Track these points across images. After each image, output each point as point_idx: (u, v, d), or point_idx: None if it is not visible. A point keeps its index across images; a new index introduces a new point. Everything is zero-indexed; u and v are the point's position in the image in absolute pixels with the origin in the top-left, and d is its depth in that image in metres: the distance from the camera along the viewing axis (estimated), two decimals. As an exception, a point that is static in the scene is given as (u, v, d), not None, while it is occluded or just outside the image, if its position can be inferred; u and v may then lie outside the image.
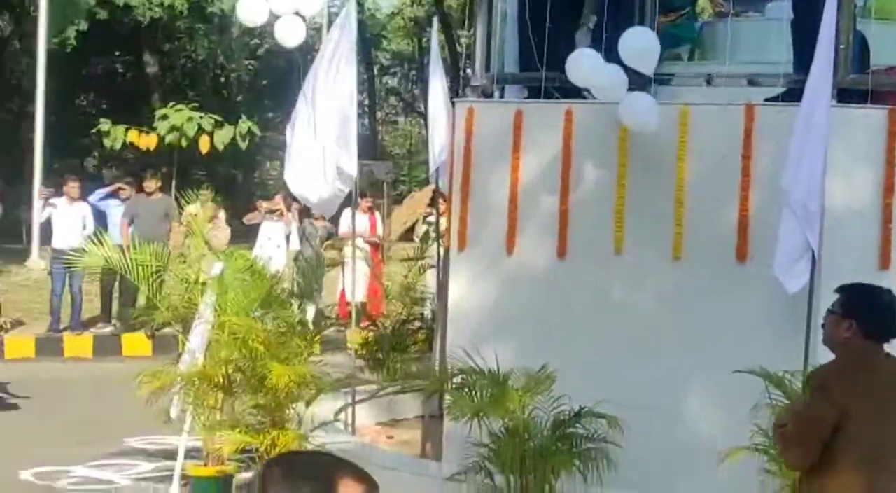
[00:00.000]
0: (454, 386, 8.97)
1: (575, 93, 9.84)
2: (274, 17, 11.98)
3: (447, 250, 11.17)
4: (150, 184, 20.21)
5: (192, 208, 17.64)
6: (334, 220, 20.23)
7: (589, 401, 8.42)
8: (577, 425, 8.40)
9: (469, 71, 13.94)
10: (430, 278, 15.22)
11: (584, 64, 9.38)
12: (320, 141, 10.81)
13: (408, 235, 22.77)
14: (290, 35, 12.08)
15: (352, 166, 11.17)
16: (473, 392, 8.62)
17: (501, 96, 11.14)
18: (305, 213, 21.28)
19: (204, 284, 11.54)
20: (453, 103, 11.23)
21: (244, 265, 11.68)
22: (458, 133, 10.60)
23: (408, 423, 12.56)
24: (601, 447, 8.26)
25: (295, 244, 20.84)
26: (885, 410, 5.79)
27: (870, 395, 5.77)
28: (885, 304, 6.02)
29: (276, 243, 20.45)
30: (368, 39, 37.93)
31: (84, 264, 13.76)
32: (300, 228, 20.97)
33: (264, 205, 22.05)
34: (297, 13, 12.13)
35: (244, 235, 21.29)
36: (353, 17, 11.11)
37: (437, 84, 12.24)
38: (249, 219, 21.98)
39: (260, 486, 2.89)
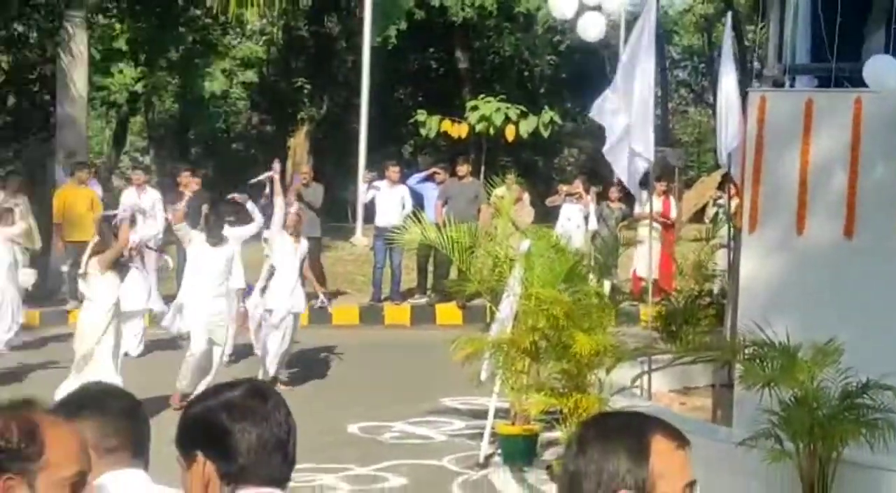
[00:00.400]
0: (745, 357, 8.83)
1: (864, 82, 9.56)
2: (580, 12, 12.05)
3: (738, 231, 11.01)
4: (462, 169, 20.50)
5: (499, 191, 17.78)
6: (630, 202, 20.13)
7: (875, 374, 8.19)
8: (865, 396, 8.17)
9: (757, 63, 13.68)
10: (720, 256, 14.99)
11: (879, 69, 9.17)
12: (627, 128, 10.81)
13: (697, 217, 22.41)
14: (591, 30, 12.15)
15: (649, 152, 11.15)
16: (764, 363, 8.48)
17: (792, 86, 10.91)
18: (602, 195, 21.26)
19: (512, 260, 11.70)
20: (744, 93, 11.04)
21: (549, 243, 11.80)
22: (751, 121, 10.43)
23: (699, 391, 12.44)
24: (887, 417, 8.02)
25: (592, 225, 20.78)
26: None
27: None
28: None
29: (575, 224, 20.39)
30: (661, 35, 37.52)
31: (404, 240, 14.15)
32: (598, 210, 20.90)
33: (564, 188, 22.05)
34: (600, 7, 12.20)
35: (545, 216, 21.35)
36: (653, 14, 11.03)
37: (729, 75, 12.00)
38: (551, 201, 22.00)
39: (577, 445, 2.88)
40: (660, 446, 2.80)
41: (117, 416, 3.54)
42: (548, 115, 26.41)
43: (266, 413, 3.08)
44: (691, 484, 2.82)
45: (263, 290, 14.16)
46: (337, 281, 21.12)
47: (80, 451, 3.00)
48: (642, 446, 2.79)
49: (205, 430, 3.10)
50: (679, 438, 2.87)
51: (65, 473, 2.92)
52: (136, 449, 3.55)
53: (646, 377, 11.30)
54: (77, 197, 19.09)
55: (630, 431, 2.87)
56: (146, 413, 3.66)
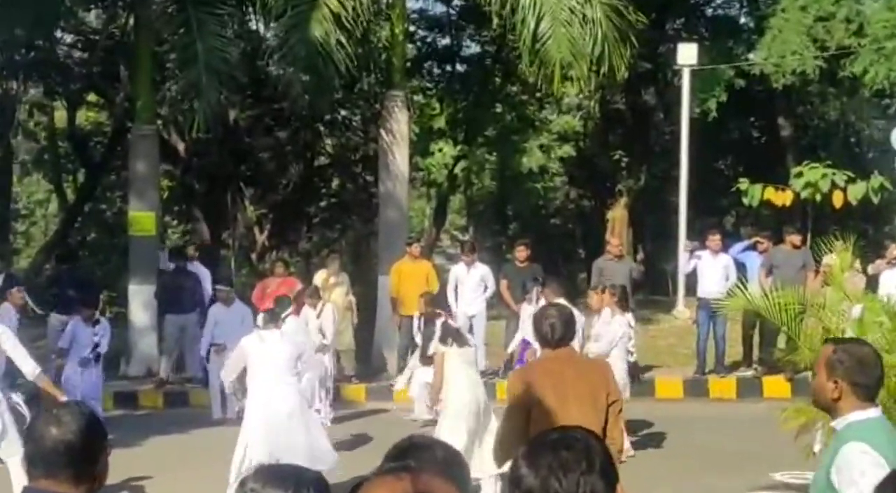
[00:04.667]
0: None
1: None
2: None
3: None
4: (794, 238, 19.94)
5: (828, 259, 17.30)
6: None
7: None
8: None
9: None
10: None
11: None
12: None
13: None
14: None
15: None
16: None
17: None
18: (936, 262, 20.41)
19: (843, 330, 11.37)
20: None
21: (881, 309, 11.45)
22: None
23: None
24: None
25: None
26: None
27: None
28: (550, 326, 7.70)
29: (896, 288, 19.60)
30: None
31: (728, 308, 13.95)
32: (928, 277, 20.04)
33: (886, 256, 21.32)
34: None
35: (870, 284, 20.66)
36: None
37: None
38: (873, 267, 21.23)
39: None
40: None
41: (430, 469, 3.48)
42: (877, 180, 25.58)
43: None
44: None
45: None
46: (660, 355, 21.05)
47: None
48: None
49: None
50: None
51: None
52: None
53: None
54: (412, 271, 19.73)
55: None
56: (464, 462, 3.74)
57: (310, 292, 17.65)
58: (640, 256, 21.17)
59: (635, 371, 15.97)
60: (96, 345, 16.10)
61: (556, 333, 7.72)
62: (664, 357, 20.98)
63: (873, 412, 5.14)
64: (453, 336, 12.83)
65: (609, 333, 14.65)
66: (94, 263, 31.23)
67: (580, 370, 7.84)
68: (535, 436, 3.35)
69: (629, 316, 15.35)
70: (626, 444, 13.89)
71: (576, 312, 14.09)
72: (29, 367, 12.19)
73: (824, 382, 5.18)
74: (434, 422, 15.56)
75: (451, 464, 3.62)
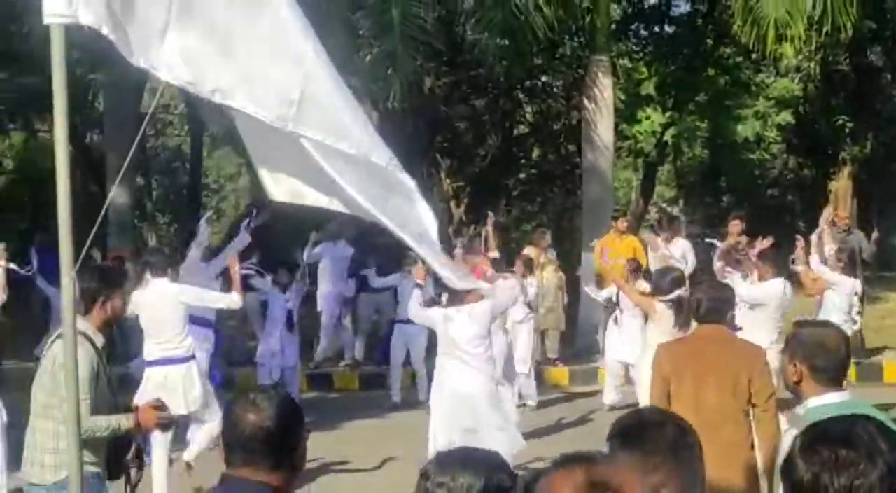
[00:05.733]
0: None
1: None
2: None
3: None
4: None
5: None
6: None
7: None
8: None
9: None
10: None
11: None
12: None
13: None
14: None
15: None
16: None
17: None
18: None
19: None
20: None
21: None
22: None
23: None
24: None
25: None
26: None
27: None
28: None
29: None
30: None
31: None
32: None
33: None
34: None
35: None
36: None
37: None
38: None
39: None
40: None
41: (657, 450, 3.56)
42: None
43: None
44: None
45: None
46: (890, 336, 20.72)
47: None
48: None
49: None
50: None
51: None
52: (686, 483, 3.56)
53: None
54: (619, 247, 19.26)
55: None
56: (695, 441, 3.65)
57: (523, 261, 17.02)
58: (876, 234, 20.29)
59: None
60: (290, 311, 16.37)
61: (701, 308, 8.03)
62: (895, 339, 20.73)
63: (830, 397, 5.29)
64: (683, 311, 11.42)
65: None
66: (286, 238, 31.90)
67: (724, 351, 7.83)
68: (816, 424, 3.28)
69: (858, 282, 15.38)
70: None
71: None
72: (227, 299, 12.46)
73: (786, 364, 5.47)
74: (618, 409, 15.54)
75: (679, 445, 3.57)
